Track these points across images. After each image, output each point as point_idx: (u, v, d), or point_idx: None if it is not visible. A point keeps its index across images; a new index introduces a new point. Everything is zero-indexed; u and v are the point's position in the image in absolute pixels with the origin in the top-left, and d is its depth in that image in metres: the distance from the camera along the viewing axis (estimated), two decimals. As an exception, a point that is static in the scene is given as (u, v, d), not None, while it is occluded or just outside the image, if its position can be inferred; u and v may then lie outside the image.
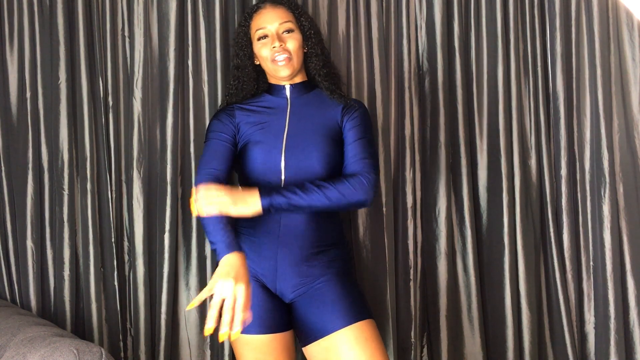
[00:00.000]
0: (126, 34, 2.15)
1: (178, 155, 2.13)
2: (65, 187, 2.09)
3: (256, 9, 1.87)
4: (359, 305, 1.73)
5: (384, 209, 2.17)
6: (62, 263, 2.08)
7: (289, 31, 1.82)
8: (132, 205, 2.14)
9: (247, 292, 1.49)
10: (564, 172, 2.28)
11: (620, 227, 2.26)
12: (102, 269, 2.12)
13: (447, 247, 2.23)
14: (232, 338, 1.47)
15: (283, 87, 1.86)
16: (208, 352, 2.15)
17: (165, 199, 2.10)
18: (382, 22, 2.24)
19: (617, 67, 2.29)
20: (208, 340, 2.15)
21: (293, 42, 1.80)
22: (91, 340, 2.06)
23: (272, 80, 1.89)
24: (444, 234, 2.23)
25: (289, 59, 1.79)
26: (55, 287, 2.10)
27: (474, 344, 2.23)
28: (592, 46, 2.27)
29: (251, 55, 1.88)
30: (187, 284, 2.16)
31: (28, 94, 2.10)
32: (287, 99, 1.85)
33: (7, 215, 2.08)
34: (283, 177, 1.75)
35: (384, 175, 2.17)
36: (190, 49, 2.14)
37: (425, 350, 2.26)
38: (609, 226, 2.24)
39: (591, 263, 2.28)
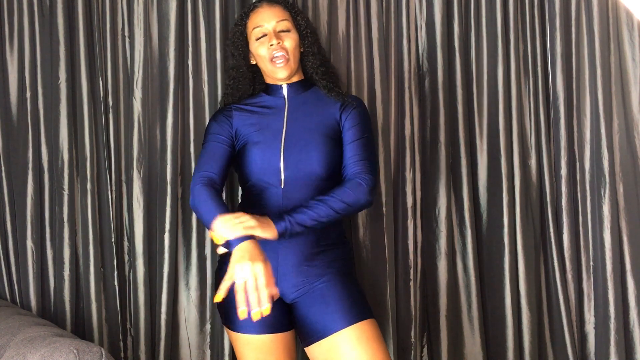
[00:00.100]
0: (126, 34, 2.15)
1: (178, 155, 2.13)
2: (65, 187, 2.09)
3: (253, 8, 1.87)
4: (361, 305, 1.73)
5: (384, 209, 2.17)
6: (62, 263, 2.08)
7: (286, 30, 1.82)
8: (132, 205, 2.14)
9: (266, 269, 1.50)
10: (564, 172, 2.28)
11: (620, 227, 2.26)
12: (102, 269, 2.12)
13: (447, 247, 2.23)
14: (265, 314, 1.49)
15: (280, 86, 1.86)
16: (208, 352, 2.15)
17: (165, 199, 2.10)
18: (382, 22, 2.24)
19: (617, 67, 2.29)
20: (208, 340, 2.15)
21: (290, 41, 1.81)
22: (91, 340, 2.05)
23: (268, 80, 1.88)
24: (444, 234, 2.23)
25: (287, 58, 1.79)
26: (55, 287, 2.10)
27: (474, 344, 2.23)
28: (592, 46, 2.27)
29: (246, 55, 1.89)
30: (187, 284, 2.16)
31: (28, 94, 2.10)
32: (284, 98, 1.85)
33: (7, 215, 2.08)
34: (282, 178, 1.76)
35: (383, 175, 2.17)
36: (190, 49, 2.14)
37: (425, 350, 2.26)
38: (609, 226, 2.24)
39: (591, 263, 2.28)
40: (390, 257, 2.18)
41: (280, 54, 1.78)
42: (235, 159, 1.83)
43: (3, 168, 2.09)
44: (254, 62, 1.89)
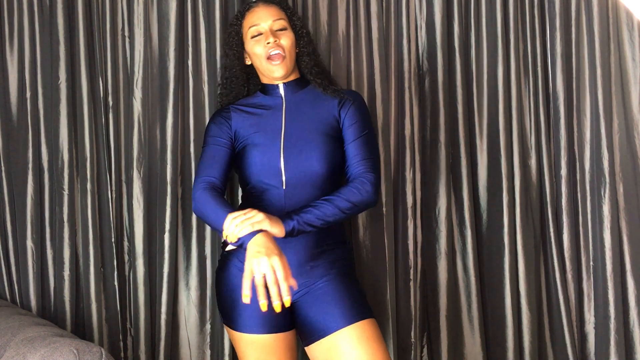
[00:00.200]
0: (126, 34, 2.15)
1: (178, 155, 2.13)
2: (65, 187, 2.08)
3: (248, 7, 1.88)
4: (361, 305, 1.74)
5: (384, 209, 2.17)
6: (62, 263, 2.08)
7: (283, 29, 1.82)
8: (132, 205, 2.14)
9: (282, 262, 1.51)
10: (564, 172, 2.28)
11: (620, 227, 2.26)
12: (102, 269, 2.11)
13: (447, 247, 2.23)
14: (287, 305, 1.51)
15: (277, 86, 1.86)
16: (208, 352, 2.15)
17: (165, 199, 2.10)
18: (382, 22, 2.24)
19: (617, 67, 2.29)
20: (208, 340, 2.15)
21: (286, 40, 1.81)
22: (91, 340, 2.05)
23: (264, 80, 1.88)
24: (444, 234, 2.23)
25: (283, 56, 1.79)
26: (55, 287, 2.10)
27: (474, 344, 2.23)
28: (592, 46, 2.27)
29: (241, 55, 1.89)
30: (187, 284, 2.16)
31: (28, 94, 2.09)
32: (281, 97, 1.85)
33: (7, 215, 2.08)
34: (284, 178, 1.76)
35: (384, 175, 2.17)
36: (190, 49, 2.14)
37: (425, 350, 2.26)
38: (609, 226, 2.24)
39: (591, 263, 2.28)
40: (390, 257, 2.18)
41: (276, 52, 1.78)
42: (235, 160, 1.83)
43: (3, 168, 2.09)
44: (249, 63, 1.89)
